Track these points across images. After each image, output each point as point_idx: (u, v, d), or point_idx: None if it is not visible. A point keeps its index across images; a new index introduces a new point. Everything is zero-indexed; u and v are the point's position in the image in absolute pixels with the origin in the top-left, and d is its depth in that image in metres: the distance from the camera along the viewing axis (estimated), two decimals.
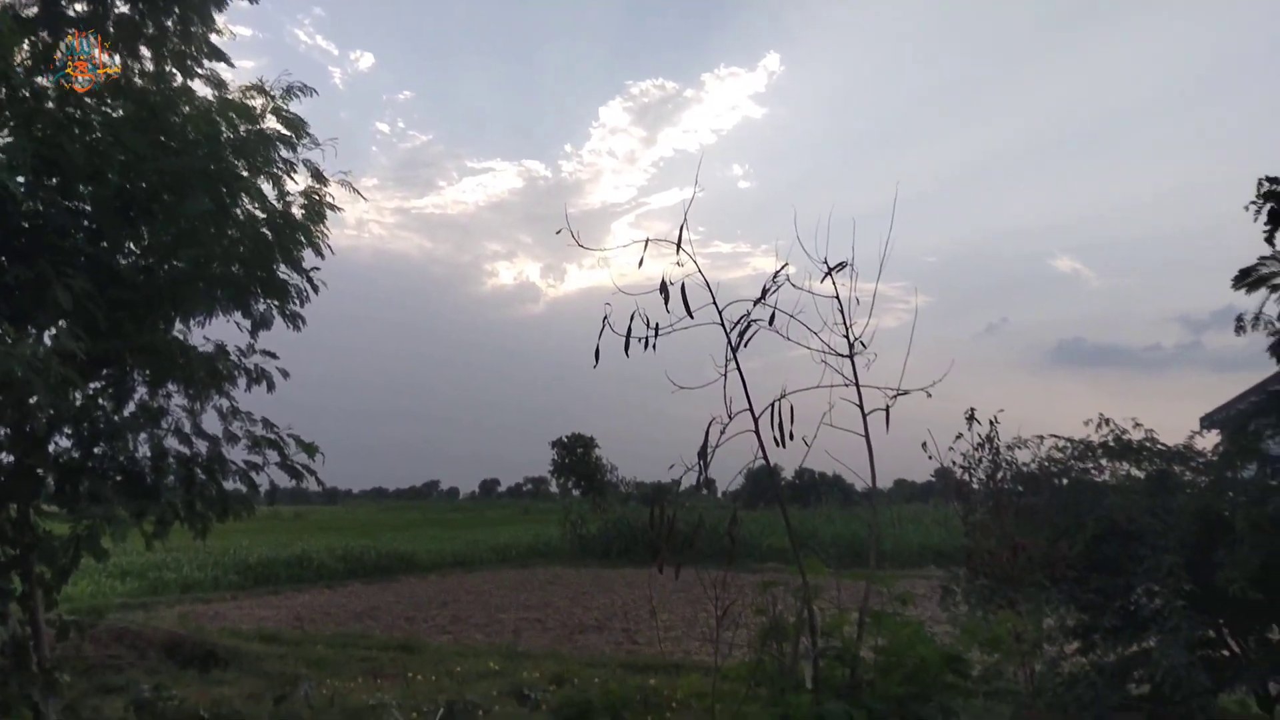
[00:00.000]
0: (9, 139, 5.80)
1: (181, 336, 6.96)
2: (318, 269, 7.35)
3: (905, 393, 4.70)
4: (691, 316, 4.30)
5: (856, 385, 4.91)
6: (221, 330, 7.10)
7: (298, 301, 7.28)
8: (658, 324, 4.26)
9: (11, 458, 5.78)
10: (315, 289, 7.21)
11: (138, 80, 6.52)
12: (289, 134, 6.76)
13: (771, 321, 4.49)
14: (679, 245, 4.33)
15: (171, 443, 6.32)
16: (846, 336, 5.03)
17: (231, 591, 21.11)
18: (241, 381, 6.74)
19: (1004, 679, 7.03)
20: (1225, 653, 6.65)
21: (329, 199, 7.06)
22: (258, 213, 6.73)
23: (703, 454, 4.18)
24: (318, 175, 6.97)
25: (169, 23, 6.54)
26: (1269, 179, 4.81)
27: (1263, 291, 5.09)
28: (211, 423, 6.58)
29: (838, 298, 4.86)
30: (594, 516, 33.91)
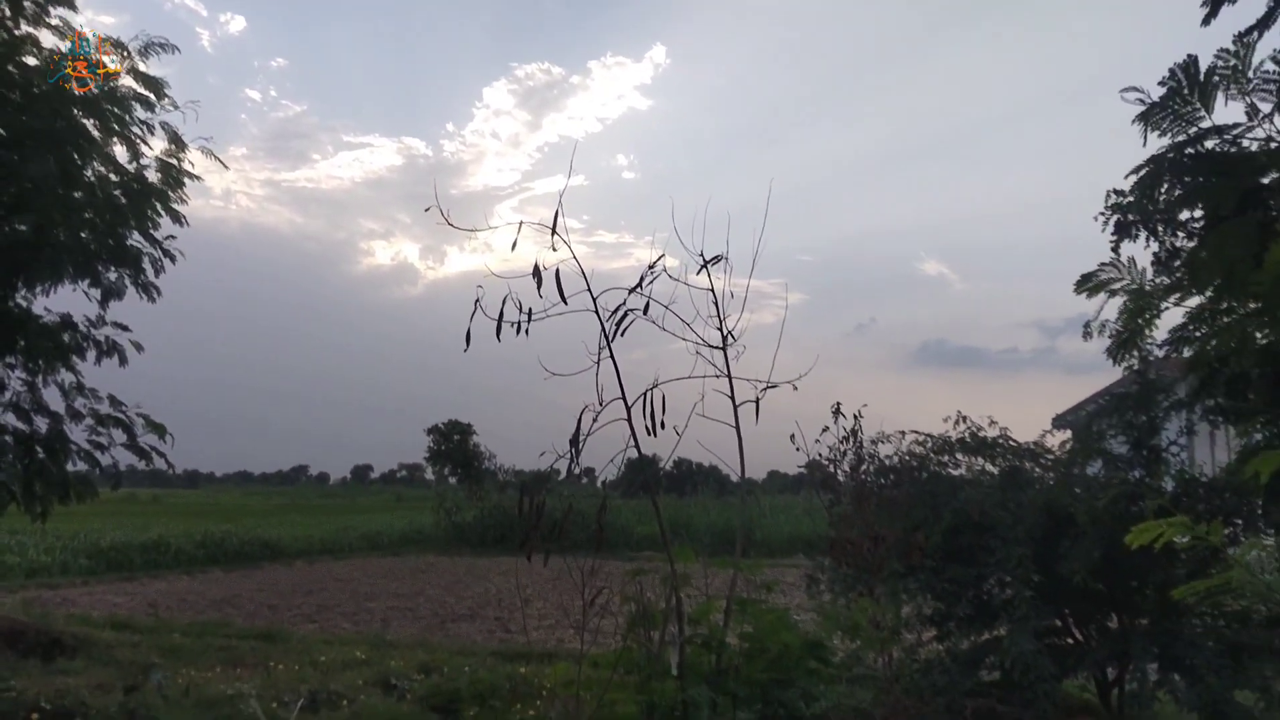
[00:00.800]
0: None
1: (25, 305, 6.48)
2: (173, 238, 6.98)
3: (774, 385, 4.82)
4: (565, 302, 4.26)
5: (729, 377, 5.00)
6: (68, 301, 6.66)
7: (152, 272, 6.90)
8: (530, 309, 4.22)
9: None
10: (172, 259, 6.84)
11: None
12: (147, 94, 6.38)
13: (646, 311, 4.51)
14: (554, 229, 4.29)
15: (9, 419, 5.88)
16: (720, 329, 5.12)
17: (82, 577, 19.88)
18: (90, 355, 6.33)
19: (864, 665, 7.32)
20: (1069, 640, 7.10)
21: (188, 165, 6.70)
22: (111, 176, 6.33)
23: (574, 441, 4.16)
24: (176, 140, 6.62)
25: None
26: (1116, 191, 5.11)
27: (1102, 296, 5.42)
28: (54, 399, 6.15)
29: (712, 291, 4.93)
30: (469, 504, 33.48)
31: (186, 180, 6.64)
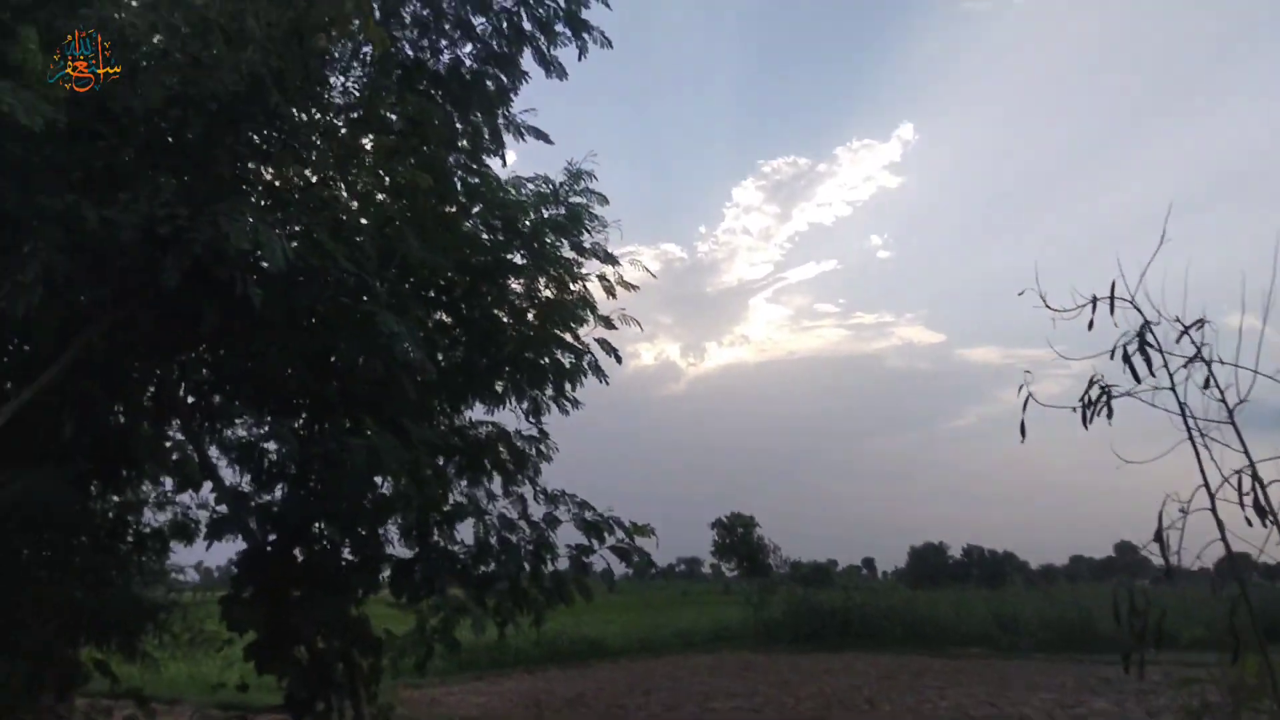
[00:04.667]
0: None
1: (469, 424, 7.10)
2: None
3: None
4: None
5: None
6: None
7: (570, 386, 7.35)
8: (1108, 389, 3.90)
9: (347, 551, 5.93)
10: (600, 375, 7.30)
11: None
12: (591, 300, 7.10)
13: None
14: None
15: (495, 531, 6.36)
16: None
17: (439, 676, 21.26)
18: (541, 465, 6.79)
19: None
20: None
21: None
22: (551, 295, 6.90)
23: (1159, 537, 3.73)
24: (608, 256, 7.12)
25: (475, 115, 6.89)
26: None
27: None
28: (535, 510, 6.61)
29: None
30: (770, 599, 32.85)
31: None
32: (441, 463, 6.25)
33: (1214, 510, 3.75)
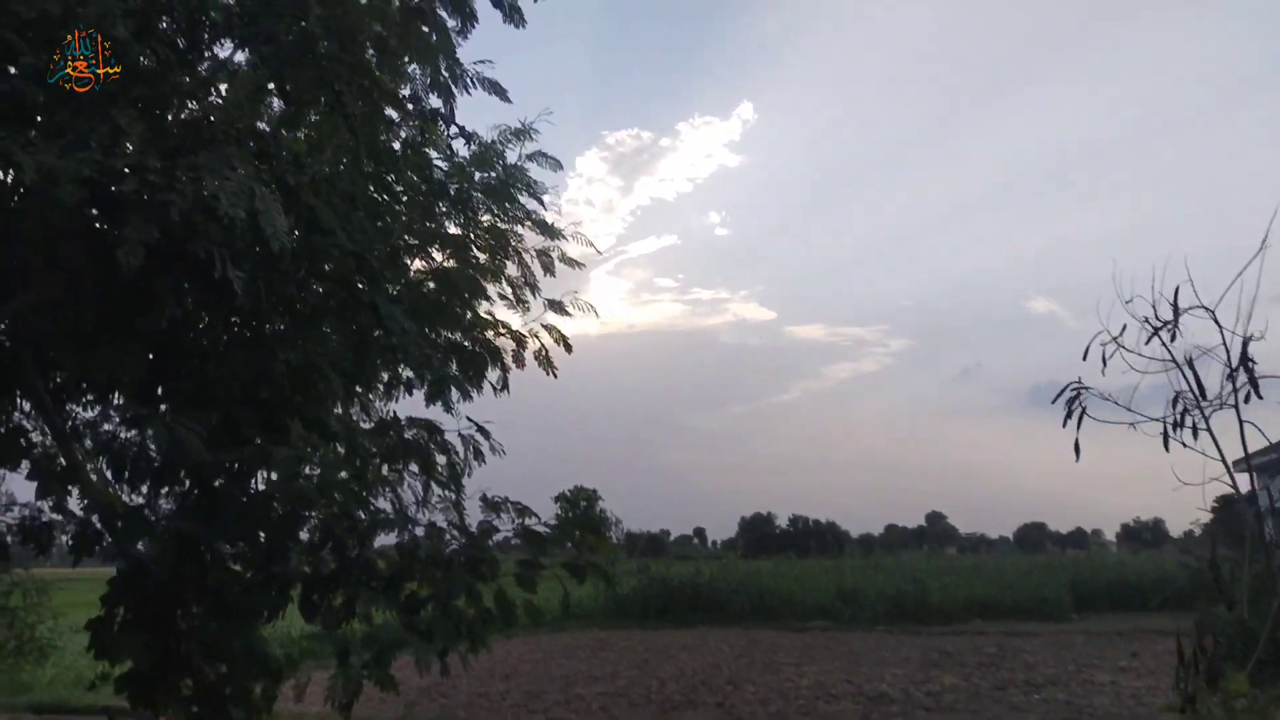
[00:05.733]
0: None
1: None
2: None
3: None
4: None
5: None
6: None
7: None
8: None
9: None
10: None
11: None
12: None
13: None
14: None
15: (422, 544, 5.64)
16: None
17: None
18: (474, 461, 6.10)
19: None
20: None
21: None
22: None
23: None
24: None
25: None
26: None
27: None
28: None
29: None
30: (615, 573, 32.79)
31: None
32: (359, 464, 5.50)
33: None
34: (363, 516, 5.07)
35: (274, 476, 4.64)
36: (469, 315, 6.73)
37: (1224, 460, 4.12)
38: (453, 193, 6.00)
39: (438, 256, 6.63)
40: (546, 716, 14.00)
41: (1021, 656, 19.07)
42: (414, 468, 5.92)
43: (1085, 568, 32.47)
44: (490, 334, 6.56)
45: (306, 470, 4.80)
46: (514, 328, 6.77)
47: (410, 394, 6.72)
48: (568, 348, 6.52)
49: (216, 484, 4.60)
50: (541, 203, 6.47)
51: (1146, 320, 4.74)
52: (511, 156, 6.31)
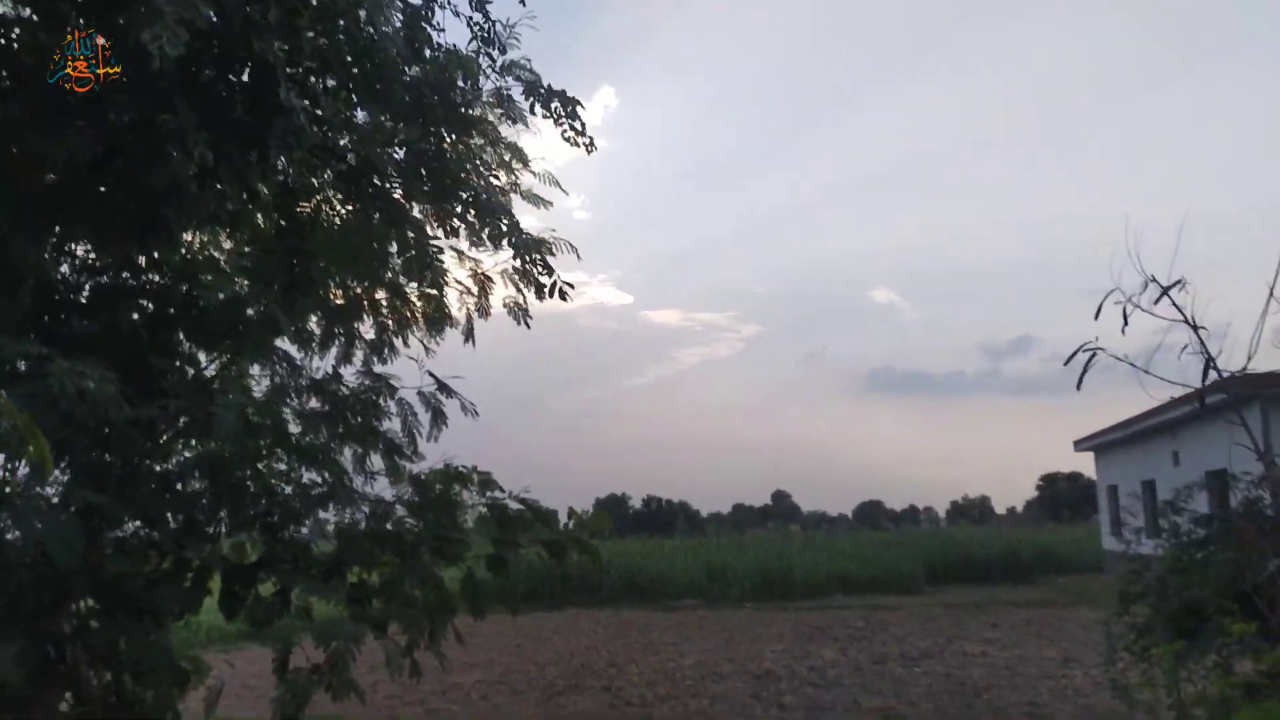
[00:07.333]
0: None
1: None
2: None
3: None
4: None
5: None
6: None
7: None
8: None
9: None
10: None
11: None
12: None
13: None
14: None
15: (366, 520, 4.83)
16: None
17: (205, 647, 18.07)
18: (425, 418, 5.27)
19: None
20: None
21: None
22: None
23: None
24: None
25: None
26: None
27: None
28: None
29: None
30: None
31: None
32: (301, 429, 4.56)
33: None
34: (289, 490, 4.26)
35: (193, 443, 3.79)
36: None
37: None
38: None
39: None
40: (425, 708, 13.16)
41: (890, 629, 19.60)
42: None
43: (934, 543, 34.02)
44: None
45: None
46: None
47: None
48: (538, 293, 5.68)
49: (132, 448, 3.69)
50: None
51: None
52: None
